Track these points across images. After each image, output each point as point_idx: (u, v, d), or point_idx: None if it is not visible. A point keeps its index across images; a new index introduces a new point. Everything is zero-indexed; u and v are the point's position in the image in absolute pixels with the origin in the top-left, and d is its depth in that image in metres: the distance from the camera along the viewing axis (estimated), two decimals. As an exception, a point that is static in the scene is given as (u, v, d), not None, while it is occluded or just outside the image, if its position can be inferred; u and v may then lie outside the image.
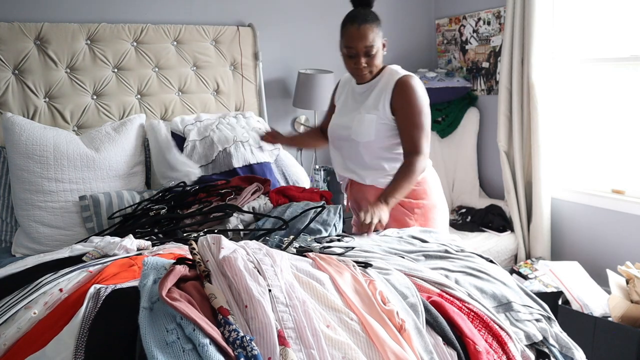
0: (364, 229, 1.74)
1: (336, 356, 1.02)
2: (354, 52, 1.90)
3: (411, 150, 1.93)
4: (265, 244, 1.50)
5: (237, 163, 2.45)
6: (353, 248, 1.54)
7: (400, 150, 1.98)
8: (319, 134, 2.34)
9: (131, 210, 2.02)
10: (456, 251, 1.62)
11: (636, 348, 2.15)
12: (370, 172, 2.02)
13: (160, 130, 2.45)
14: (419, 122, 1.93)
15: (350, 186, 2.14)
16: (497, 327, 1.28)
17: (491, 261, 1.62)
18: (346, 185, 2.17)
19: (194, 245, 1.21)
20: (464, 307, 1.30)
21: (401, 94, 1.93)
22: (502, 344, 1.25)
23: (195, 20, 2.87)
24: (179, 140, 2.48)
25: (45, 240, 2.05)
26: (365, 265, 1.39)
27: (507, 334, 1.28)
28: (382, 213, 1.77)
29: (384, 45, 1.95)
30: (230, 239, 1.63)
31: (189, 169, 2.32)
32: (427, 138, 1.95)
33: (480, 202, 3.38)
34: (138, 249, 1.47)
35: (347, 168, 2.09)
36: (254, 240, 1.43)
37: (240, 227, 1.83)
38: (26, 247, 2.04)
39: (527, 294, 1.48)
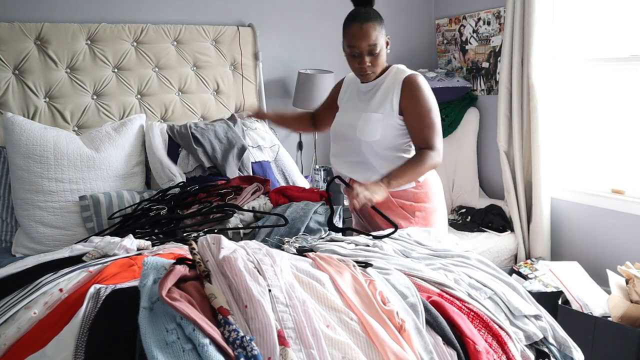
0: (351, 197, 1.72)
1: (336, 356, 1.02)
2: (357, 52, 1.88)
3: (425, 147, 1.93)
4: (265, 243, 1.50)
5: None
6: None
7: (405, 152, 1.98)
8: (309, 119, 2.32)
9: (131, 210, 2.02)
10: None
11: (636, 348, 2.15)
12: (374, 173, 2.00)
13: (154, 132, 2.45)
14: (430, 120, 1.92)
15: (351, 184, 2.12)
16: (496, 327, 1.28)
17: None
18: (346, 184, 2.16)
19: (194, 245, 1.21)
20: (463, 307, 1.30)
21: (409, 94, 1.91)
22: (501, 344, 1.25)
23: (195, 20, 2.87)
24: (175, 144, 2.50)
25: (45, 240, 2.05)
26: (365, 265, 1.39)
27: (507, 333, 1.28)
28: (379, 192, 1.76)
29: (387, 43, 1.94)
30: (230, 239, 1.63)
31: (171, 174, 2.32)
32: (439, 135, 1.94)
33: (480, 202, 3.38)
34: (138, 249, 1.47)
35: (350, 167, 2.07)
36: (254, 240, 1.43)
37: (240, 226, 1.83)
38: (26, 247, 2.04)
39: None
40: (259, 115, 2.36)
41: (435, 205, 2.06)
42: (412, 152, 2.01)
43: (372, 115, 1.95)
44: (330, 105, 2.21)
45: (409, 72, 1.96)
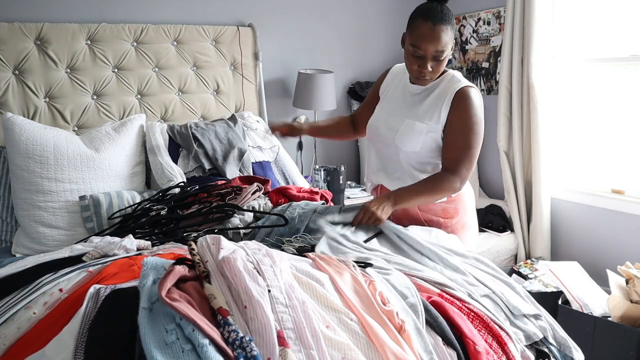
0: (371, 216, 1.66)
1: (336, 357, 1.02)
2: (421, 54, 1.68)
3: (448, 168, 1.76)
4: (264, 243, 1.50)
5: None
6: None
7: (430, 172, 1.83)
8: (348, 124, 2.14)
9: (131, 211, 2.02)
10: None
11: (636, 348, 2.15)
12: (403, 184, 1.84)
13: (155, 132, 2.45)
14: (469, 142, 1.74)
15: (380, 192, 1.98)
16: (497, 327, 1.28)
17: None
18: (374, 189, 2.03)
19: (194, 246, 1.21)
20: (464, 307, 1.30)
21: (459, 107, 1.73)
22: (502, 344, 1.25)
23: (195, 20, 2.87)
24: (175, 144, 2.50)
25: (45, 240, 2.05)
26: (365, 265, 1.39)
27: (507, 334, 1.29)
28: (384, 210, 1.68)
29: (453, 47, 1.74)
30: (230, 239, 1.63)
31: (171, 174, 2.31)
32: (471, 162, 1.76)
33: (480, 202, 3.38)
34: (138, 249, 1.47)
35: (382, 172, 1.94)
36: (254, 241, 1.43)
37: (240, 226, 1.83)
38: (26, 247, 2.04)
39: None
40: (292, 132, 2.11)
41: (465, 220, 1.91)
42: None
43: (416, 124, 1.78)
44: (372, 104, 2.00)
45: (465, 82, 1.77)
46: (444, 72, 1.81)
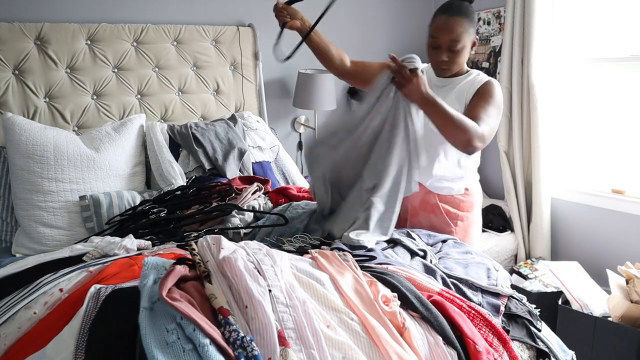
0: (399, 69, 1.57)
1: (336, 356, 1.02)
2: (437, 44, 1.79)
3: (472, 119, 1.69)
4: (265, 243, 1.50)
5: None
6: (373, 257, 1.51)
7: (457, 162, 1.87)
8: (344, 59, 2.08)
9: (131, 212, 2.02)
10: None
11: (636, 348, 2.15)
12: (425, 173, 1.89)
13: (155, 132, 2.45)
14: (488, 107, 1.74)
15: None
16: (498, 325, 1.28)
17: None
18: None
19: (194, 246, 1.21)
20: (464, 306, 1.30)
21: (480, 90, 1.79)
22: (503, 342, 1.25)
23: (195, 20, 2.87)
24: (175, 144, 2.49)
25: (46, 240, 2.05)
26: (363, 260, 1.39)
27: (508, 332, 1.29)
28: (414, 84, 1.57)
29: (474, 44, 1.83)
30: (231, 239, 1.63)
31: (171, 174, 2.31)
32: (490, 128, 1.71)
33: (480, 202, 3.38)
34: (138, 249, 1.47)
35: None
36: (254, 241, 1.43)
37: (240, 226, 1.83)
38: (26, 247, 2.04)
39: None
40: (291, 15, 2.10)
41: (477, 216, 2.00)
42: (471, 161, 1.91)
43: None
44: (370, 69, 1.98)
45: (488, 78, 1.85)
46: (470, 70, 1.88)
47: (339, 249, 1.48)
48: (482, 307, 1.35)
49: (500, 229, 3.12)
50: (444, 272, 1.48)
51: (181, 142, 2.49)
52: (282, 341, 0.98)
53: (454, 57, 1.79)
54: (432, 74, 1.93)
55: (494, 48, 3.33)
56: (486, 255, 1.71)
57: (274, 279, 1.12)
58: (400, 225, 2.03)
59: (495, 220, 3.16)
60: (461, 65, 1.86)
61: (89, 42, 2.54)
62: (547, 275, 2.65)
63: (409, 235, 1.73)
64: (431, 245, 1.72)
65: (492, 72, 3.36)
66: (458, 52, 1.78)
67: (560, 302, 2.46)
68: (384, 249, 1.60)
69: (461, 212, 1.93)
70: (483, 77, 1.85)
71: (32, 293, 1.19)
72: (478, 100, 1.77)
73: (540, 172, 2.97)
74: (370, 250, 1.53)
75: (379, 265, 1.41)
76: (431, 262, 1.55)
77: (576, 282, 2.53)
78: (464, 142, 1.64)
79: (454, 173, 1.92)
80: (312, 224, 1.78)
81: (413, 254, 1.59)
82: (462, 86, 1.85)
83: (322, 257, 1.35)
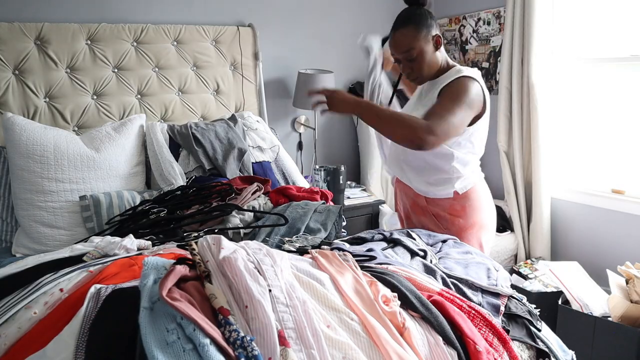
0: (312, 92, 1.72)
1: (336, 356, 1.02)
2: (397, 59, 1.84)
3: (425, 118, 1.65)
4: (265, 243, 1.50)
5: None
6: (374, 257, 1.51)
7: (448, 163, 1.84)
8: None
9: (131, 212, 2.02)
10: None
11: (636, 348, 2.15)
12: (414, 175, 1.91)
13: (156, 132, 2.45)
14: (448, 107, 1.68)
15: (397, 183, 2.09)
16: (498, 325, 1.28)
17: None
18: (393, 179, 2.12)
19: (194, 246, 1.21)
20: (464, 306, 1.29)
21: (445, 87, 1.77)
22: (504, 341, 1.25)
23: (195, 20, 2.87)
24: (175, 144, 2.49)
25: (46, 240, 2.05)
26: (363, 260, 1.39)
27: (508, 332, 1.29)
28: (342, 105, 1.66)
29: (438, 42, 1.80)
30: (231, 239, 1.63)
31: (171, 174, 2.31)
32: (448, 124, 1.64)
33: (480, 202, 3.38)
34: (138, 249, 1.47)
35: (394, 164, 2.00)
36: (254, 241, 1.43)
37: (240, 226, 1.83)
38: (26, 247, 2.04)
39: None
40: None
41: (475, 221, 1.91)
42: (459, 165, 1.85)
43: (423, 111, 1.77)
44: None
45: (467, 73, 1.79)
46: (452, 67, 1.87)
47: (339, 249, 1.48)
48: (482, 307, 1.35)
49: (500, 229, 3.12)
50: (444, 272, 1.48)
51: (181, 142, 2.50)
52: (282, 341, 0.98)
53: (417, 65, 1.80)
54: None
55: (494, 48, 3.33)
56: (486, 255, 1.72)
57: (274, 279, 1.12)
58: (399, 224, 2.05)
59: (495, 220, 3.17)
60: (432, 68, 1.83)
61: (89, 42, 2.54)
62: (547, 275, 2.65)
63: (409, 235, 1.73)
64: (431, 245, 1.72)
65: (492, 72, 3.36)
66: (417, 59, 1.78)
67: (560, 302, 2.46)
68: (384, 249, 1.61)
69: (450, 215, 1.89)
70: (458, 74, 1.79)
71: (32, 293, 1.19)
72: (440, 98, 1.75)
73: (540, 172, 2.97)
74: (371, 250, 1.53)
75: (379, 265, 1.41)
76: (431, 262, 1.55)
77: (576, 282, 2.53)
78: (408, 138, 1.61)
79: (435, 176, 1.88)
80: (312, 224, 1.78)
81: (413, 254, 1.59)
82: (440, 83, 1.82)
83: (322, 257, 1.35)
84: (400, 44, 1.78)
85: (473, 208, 1.90)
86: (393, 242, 1.66)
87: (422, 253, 1.60)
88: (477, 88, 1.77)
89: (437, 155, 1.83)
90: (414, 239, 1.72)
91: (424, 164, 1.88)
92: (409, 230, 1.79)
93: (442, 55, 1.86)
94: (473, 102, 1.74)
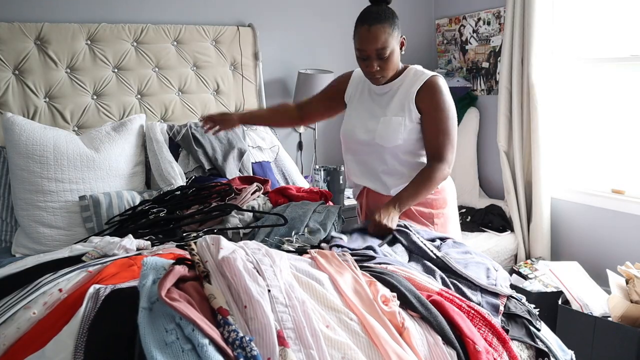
0: (380, 227, 1.67)
1: (335, 356, 1.02)
2: (366, 55, 1.77)
3: (435, 157, 1.81)
4: (264, 244, 1.50)
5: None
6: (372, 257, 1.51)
7: (410, 168, 1.87)
8: (293, 111, 2.12)
9: (131, 212, 2.02)
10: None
11: (636, 348, 2.15)
12: (393, 180, 1.89)
13: (156, 132, 2.45)
14: (446, 127, 1.81)
15: (367, 195, 1.99)
16: (498, 324, 1.28)
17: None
18: (359, 193, 2.03)
19: (193, 246, 1.21)
20: (464, 305, 1.29)
21: (429, 96, 1.80)
22: (503, 341, 1.25)
23: (195, 20, 2.87)
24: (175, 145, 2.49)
25: (45, 240, 2.05)
26: (363, 260, 1.39)
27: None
28: (392, 219, 1.70)
29: (402, 44, 1.82)
30: (230, 239, 1.63)
31: (171, 174, 2.31)
32: (453, 145, 1.83)
33: (480, 202, 3.38)
34: (137, 249, 1.47)
35: (366, 175, 1.95)
36: (253, 241, 1.43)
37: (240, 226, 1.83)
38: (26, 247, 2.04)
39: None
40: (223, 123, 2.05)
41: (452, 212, 1.99)
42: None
43: (393, 119, 1.82)
44: (330, 97, 2.05)
45: (429, 73, 1.84)
46: (406, 67, 1.88)
47: (338, 246, 1.49)
48: (482, 306, 1.35)
49: (500, 229, 3.12)
50: (447, 262, 1.49)
51: (181, 142, 2.50)
52: (281, 341, 0.98)
53: (385, 64, 1.78)
54: (371, 84, 1.92)
55: (494, 48, 3.33)
56: (485, 255, 1.71)
57: (273, 279, 1.12)
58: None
59: (495, 220, 3.16)
60: (395, 69, 1.83)
61: (89, 42, 2.55)
62: (547, 275, 2.65)
63: (406, 228, 1.72)
64: (431, 241, 1.72)
65: (492, 72, 3.36)
66: (388, 58, 1.77)
67: (560, 302, 2.46)
68: (380, 245, 1.61)
69: (435, 210, 1.92)
70: (422, 75, 1.82)
71: (32, 293, 1.19)
72: (431, 122, 1.82)
73: (540, 172, 2.97)
74: (370, 248, 1.53)
75: (378, 265, 1.41)
76: (436, 255, 1.55)
77: (576, 282, 2.53)
78: (440, 183, 1.85)
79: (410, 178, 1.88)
80: (311, 224, 1.78)
81: (412, 253, 1.59)
82: (404, 87, 1.84)
83: (322, 257, 1.35)
84: (378, 39, 1.73)
85: (450, 200, 1.98)
86: (392, 239, 1.67)
87: (429, 244, 1.61)
88: (445, 83, 1.85)
89: (416, 156, 1.90)
90: (414, 233, 1.71)
91: (407, 171, 1.88)
92: (406, 224, 1.77)
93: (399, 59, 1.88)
94: (452, 105, 1.84)
